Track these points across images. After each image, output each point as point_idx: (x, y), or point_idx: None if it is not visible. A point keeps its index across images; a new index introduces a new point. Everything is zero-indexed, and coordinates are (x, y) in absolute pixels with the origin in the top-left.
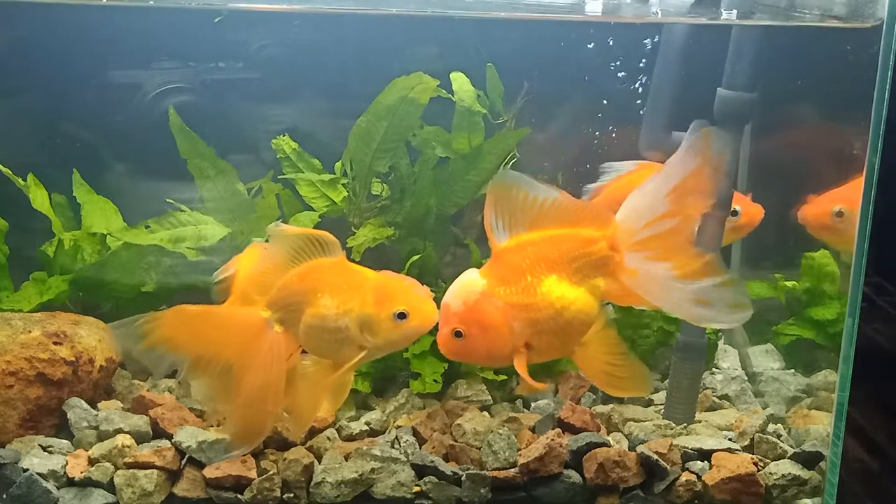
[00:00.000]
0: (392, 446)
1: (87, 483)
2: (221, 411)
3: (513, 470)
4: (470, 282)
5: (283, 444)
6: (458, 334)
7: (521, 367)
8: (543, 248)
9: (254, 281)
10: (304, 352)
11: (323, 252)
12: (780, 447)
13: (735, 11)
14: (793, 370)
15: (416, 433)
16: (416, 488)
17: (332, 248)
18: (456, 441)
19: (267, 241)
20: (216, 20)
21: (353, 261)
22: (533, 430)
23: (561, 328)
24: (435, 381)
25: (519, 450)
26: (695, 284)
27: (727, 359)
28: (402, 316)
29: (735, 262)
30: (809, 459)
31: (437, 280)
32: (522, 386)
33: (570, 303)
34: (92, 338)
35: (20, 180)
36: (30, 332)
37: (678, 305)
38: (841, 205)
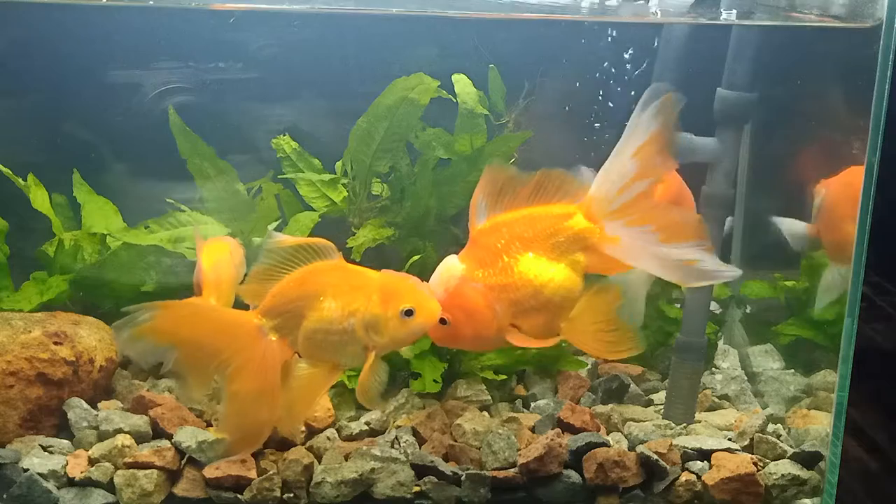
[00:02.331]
0: (392, 446)
1: (87, 483)
2: (222, 418)
3: (512, 470)
4: (449, 268)
5: (283, 444)
6: (442, 321)
7: (518, 340)
8: (517, 228)
9: (247, 290)
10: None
11: (318, 257)
12: (780, 447)
13: (734, 11)
14: (792, 370)
15: (415, 433)
16: (416, 488)
17: (327, 252)
18: (456, 441)
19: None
20: (231, 20)
21: (352, 261)
22: (533, 430)
23: (543, 306)
24: (435, 381)
25: (518, 450)
26: (679, 247)
27: (727, 359)
28: (409, 313)
29: (735, 261)
30: (809, 459)
31: None
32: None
33: (548, 280)
34: (92, 338)
35: (20, 180)
36: (30, 332)
37: (664, 267)
38: (822, 185)
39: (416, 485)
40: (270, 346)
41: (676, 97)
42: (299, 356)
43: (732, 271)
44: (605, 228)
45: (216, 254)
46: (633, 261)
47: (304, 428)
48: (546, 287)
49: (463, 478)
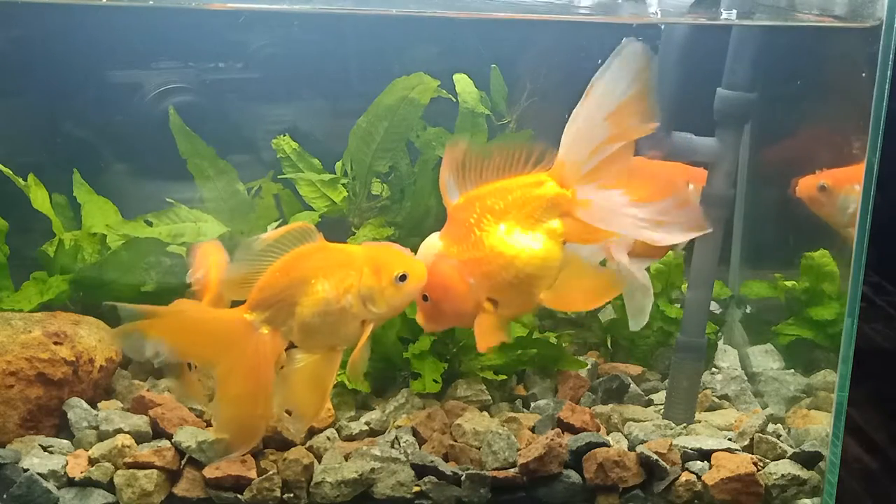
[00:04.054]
0: (392, 446)
1: (87, 483)
2: (217, 417)
3: (512, 470)
4: (429, 245)
5: (283, 444)
6: (424, 298)
7: (479, 324)
8: (489, 200)
9: (231, 288)
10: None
11: (299, 242)
12: (780, 447)
13: (735, 11)
14: (792, 370)
15: (415, 433)
16: (416, 488)
17: (308, 235)
18: (456, 441)
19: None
20: (240, 20)
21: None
22: (533, 430)
23: (515, 277)
24: (435, 381)
25: (519, 450)
26: (650, 206)
27: (727, 359)
28: (402, 278)
29: (735, 261)
30: (809, 459)
31: None
32: (479, 342)
33: (519, 251)
34: (92, 338)
35: (20, 180)
36: (30, 331)
37: (635, 228)
38: (825, 180)
39: (416, 485)
40: (262, 340)
41: (651, 58)
42: (288, 348)
43: (700, 229)
44: (578, 193)
45: (214, 256)
46: (602, 222)
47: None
48: (517, 259)
49: (463, 478)
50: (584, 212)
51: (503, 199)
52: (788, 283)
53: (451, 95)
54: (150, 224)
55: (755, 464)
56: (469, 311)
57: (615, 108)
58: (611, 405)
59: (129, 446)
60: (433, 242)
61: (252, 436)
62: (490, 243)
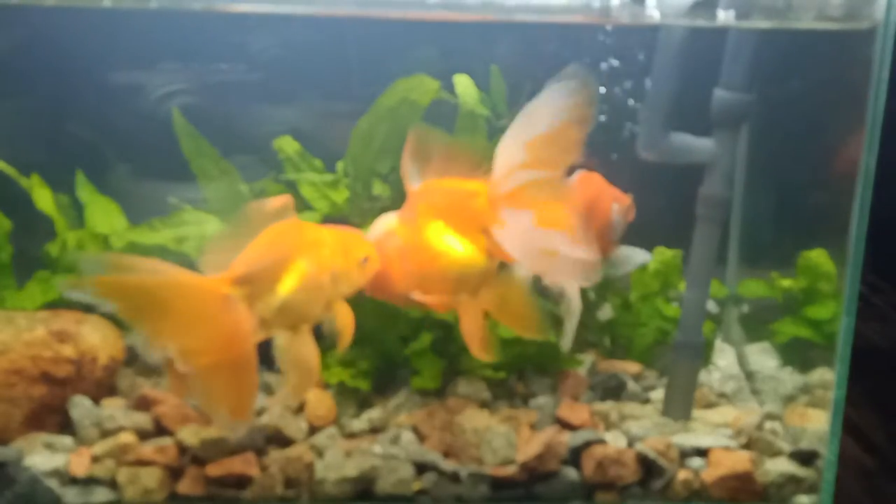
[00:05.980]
0: (392, 444)
1: (90, 481)
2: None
3: (512, 467)
4: (383, 222)
5: (285, 442)
6: None
7: (422, 299)
8: (434, 196)
9: (208, 264)
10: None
11: (280, 217)
12: (777, 445)
13: (733, 12)
14: (789, 368)
15: (416, 431)
16: (417, 485)
17: (287, 210)
18: (456, 438)
19: None
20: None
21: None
22: (532, 427)
23: (436, 276)
24: (434, 377)
25: (518, 447)
26: (557, 236)
27: (724, 357)
28: (365, 261)
29: (732, 261)
30: (806, 457)
31: None
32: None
33: (442, 252)
34: (95, 336)
35: (24, 179)
36: (34, 330)
37: (531, 260)
38: None
39: (417, 482)
40: (243, 315)
41: (592, 93)
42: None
43: (592, 278)
44: (501, 212)
45: None
46: (506, 243)
47: (304, 426)
48: (438, 259)
49: (463, 475)
50: (496, 230)
51: (445, 197)
52: (785, 283)
53: (450, 96)
54: (154, 228)
55: (752, 461)
56: (396, 293)
57: (534, 137)
58: (609, 403)
59: (131, 444)
60: (388, 220)
61: (248, 405)
62: (422, 236)
